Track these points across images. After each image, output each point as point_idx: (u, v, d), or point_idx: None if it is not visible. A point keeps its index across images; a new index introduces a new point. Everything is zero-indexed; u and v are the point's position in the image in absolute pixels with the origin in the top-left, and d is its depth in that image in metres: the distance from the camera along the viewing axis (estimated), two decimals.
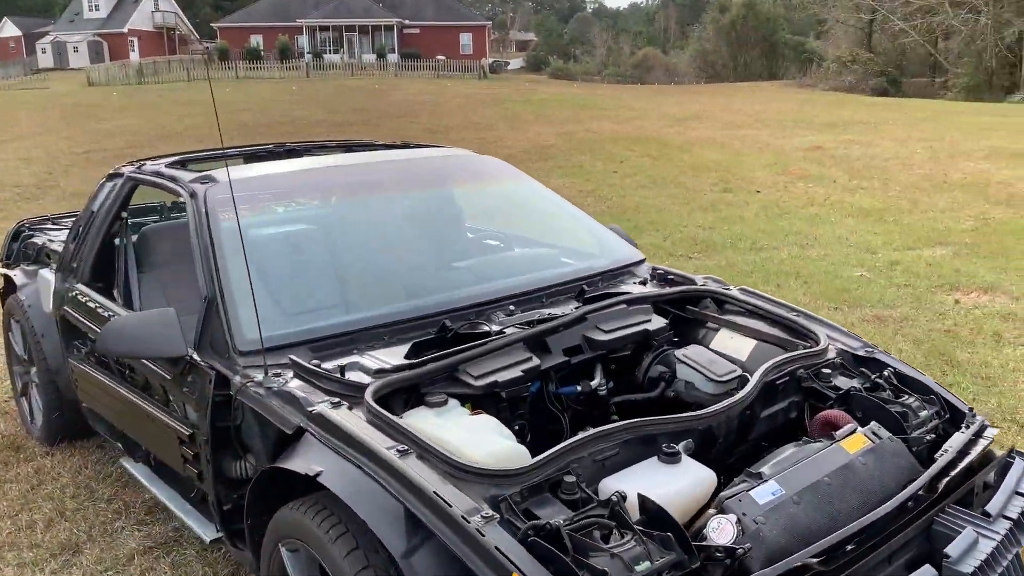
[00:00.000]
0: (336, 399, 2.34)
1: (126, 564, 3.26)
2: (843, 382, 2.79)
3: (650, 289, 3.30)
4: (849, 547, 2.06)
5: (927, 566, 2.07)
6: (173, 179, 3.34)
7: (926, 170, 11.69)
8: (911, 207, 9.49)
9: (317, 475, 2.14)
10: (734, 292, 3.31)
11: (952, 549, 2.11)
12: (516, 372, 2.59)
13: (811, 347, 2.90)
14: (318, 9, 53.91)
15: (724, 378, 2.73)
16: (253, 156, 4.03)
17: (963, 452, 2.48)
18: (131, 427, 3.23)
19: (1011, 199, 9.69)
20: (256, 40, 51.92)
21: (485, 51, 55.52)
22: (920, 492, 2.26)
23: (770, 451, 2.47)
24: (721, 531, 2.04)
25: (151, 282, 3.76)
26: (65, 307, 3.57)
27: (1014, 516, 2.31)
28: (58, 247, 4.05)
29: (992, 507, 2.31)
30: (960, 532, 2.19)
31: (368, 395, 2.32)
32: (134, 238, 3.78)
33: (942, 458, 2.41)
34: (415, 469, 2.05)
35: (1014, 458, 2.58)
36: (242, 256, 2.97)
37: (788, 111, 21.04)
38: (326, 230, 3.29)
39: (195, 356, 2.72)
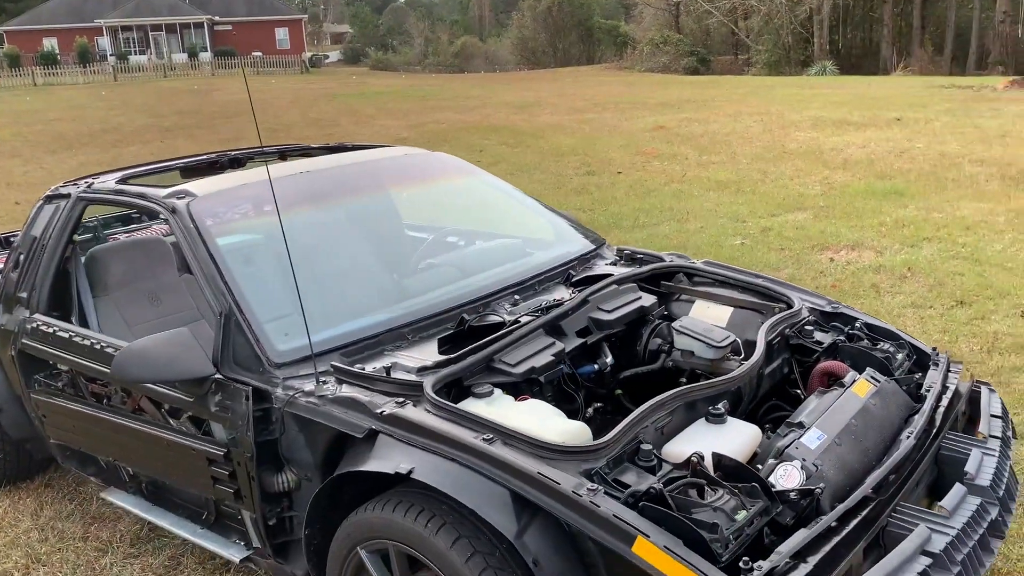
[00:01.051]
0: (400, 399, 2.39)
1: None
2: (823, 337, 3.10)
3: (629, 268, 3.49)
4: (892, 477, 2.34)
5: (958, 485, 2.37)
6: (142, 196, 3.21)
7: (764, 142, 12.59)
8: (762, 177, 10.22)
9: (410, 472, 2.19)
10: (700, 265, 3.56)
11: (970, 467, 2.44)
12: (548, 357, 2.72)
13: (785, 309, 3.19)
14: (117, 8, 50.73)
15: (722, 344, 2.95)
16: (197, 168, 3.91)
17: (944, 386, 2.83)
18: (130, 456, 3.10)
19: (846, 164, 10.63)
20: (50, 43, 48.26)
21: (303, 45, 54.17)
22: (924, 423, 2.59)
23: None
24: (788, 477, 2.27)
25: (106, 305, 3.60)
26: (24, 340, 3.35)
27: (999, 435, 2.69)
28: None
29: (983, 429, 2.67)
30: (968, 453, 2.52)
31: (429, 391, 2.38)
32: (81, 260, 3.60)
33: (931, 393, 2.75)
34: (510, 454, 2.15)
35: (979, 387, 2.97)
36: (249, 268, 2.94)
37: (619, 94, 21.93)
38: (323, 237, 3.27)
39: (223, 374, 2.67)
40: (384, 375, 2.51)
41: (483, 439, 2.20)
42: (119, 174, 3.71)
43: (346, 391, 2.47)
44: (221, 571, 3.25)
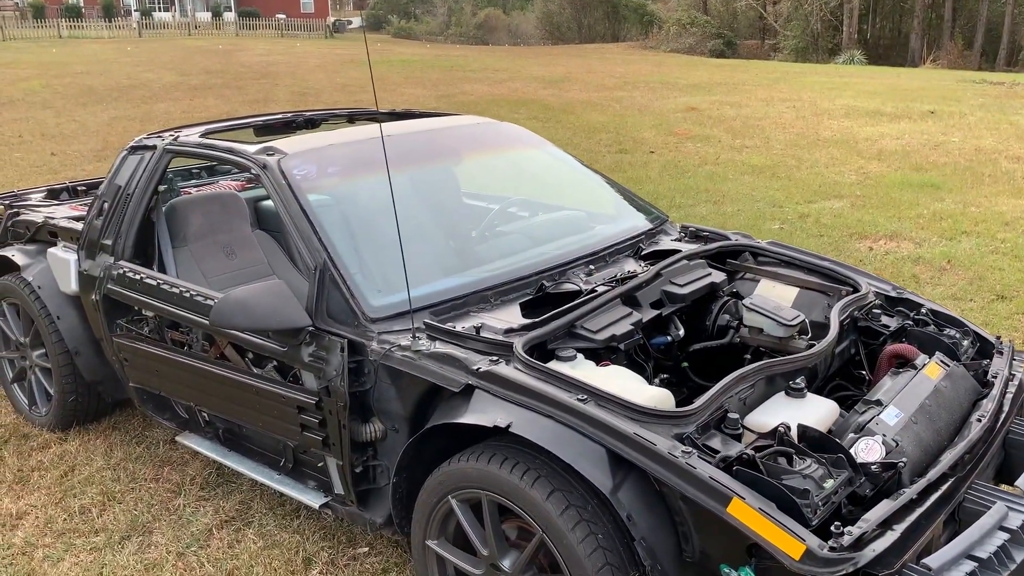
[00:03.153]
0: (493, 357, 2.48)
1: (207, 539, 3.26)
2: (889, 321, 3.18)
3: (696, 245, 3.57)
4: (966, 456, 2.43)
5: None
6: (232, 151, 3.30)
7: (798, 128, 12.58)
8: (797, 163, 10.25)
9: (508, 426, 2.29)
10: (765, 245, 3.64)
11: None
12: (627, 326, 2.81)
13: (851, 292, 3.26)
14: None
15: (792, 322, 3.03)
16: (275, 127, 4.00)
17: (1011, 373, 2.92)
18: (212, 402, 3.21)
19: (881, 154, 10.64)
20: None
21: (327, 9, 53.99)
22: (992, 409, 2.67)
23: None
24: (870, 450, 2.36)
25: (184, 256, 3.70)
26: (109, 286, 3.46)
27: None
28: (67, 224, 3.88)
29: None
30: None
31: (520, 351, 2.48)
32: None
33: (999, 379, 2.84)
34: (607, 415, 2.24)
35: None
36: (341, 225, 3.03)
37: (648, 73, 21.87)
38: (407, 199, 3.36)
39: (317, 326, 2.77)
40: (475, 334, 2.61)
41: (577, 399, 2.30)
42: (200, 128, 3.80)
43: (440, 347, 2.57)
44: (291, 516, 3.37)
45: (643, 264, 3.34)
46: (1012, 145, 10.90)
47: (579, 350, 2.67)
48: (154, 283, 3.29)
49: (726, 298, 3.24)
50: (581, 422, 2.24)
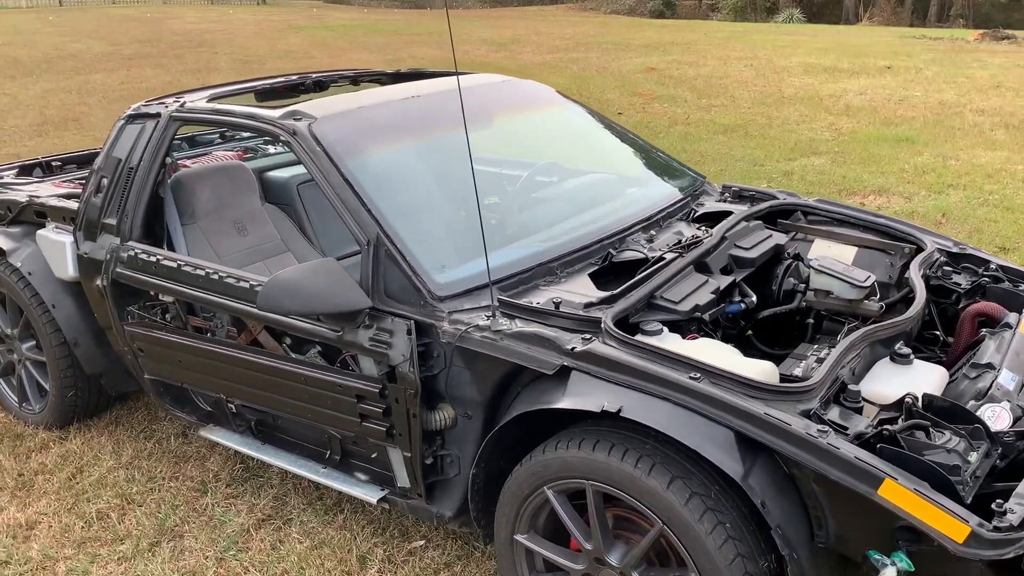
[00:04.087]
0: (586, 335, 2.28)
1: (245, 541, 3.00)
2: (960, 278, 3.05)
3: (745, 206, 3.39)
4: None
5: None
6: (253, 116, 3.00)
7: (760, 87, 12.50)
8: (767, 121, 10.16)
9: (619, 411, 2.09)
10: (814, 202, 3.48)
11: None
12: (708, 295, 2.63)
13: (914, 249, 3.13)
14: None
15: (865, 283, 2.88)
16: (281, 90, 3.68)
17: None
18: (245, 392, 2.93)
19: (848, 110, 10.62)
20: None
21: None
22: None
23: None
24: (998, 418, 2.22)
25: (194, 233, 3.39)
26: (119, 270, 3.14)
27: None
28: (57, 203, 3.52)
29: None
30: None
31: (611, 327, 2.27)
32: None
33: None
34: (729, 394, 2.06)
35: None
36: (391, 194, 2.78)
37: (596, 34, 21.54)
38: (451, 166, 3.10)
39: (377, 307, 2.52)
40: (556, 310, 2.39)
41: (690, 377, 2.11)
42: (203, 93, 3.47)
43: (522, 327, 2.35)
44: (332, 511, 3.14)
45: (700, 228, 3.14)
46: (973, 98, 10.98)
47: (662, 323, 2.48)
48: (174, 265, 2.99)
49: (790, 260, 3.07)
50: (702, 403, 2.05)
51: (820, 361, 2.47)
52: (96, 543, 3.01)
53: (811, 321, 2.92)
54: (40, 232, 3.50)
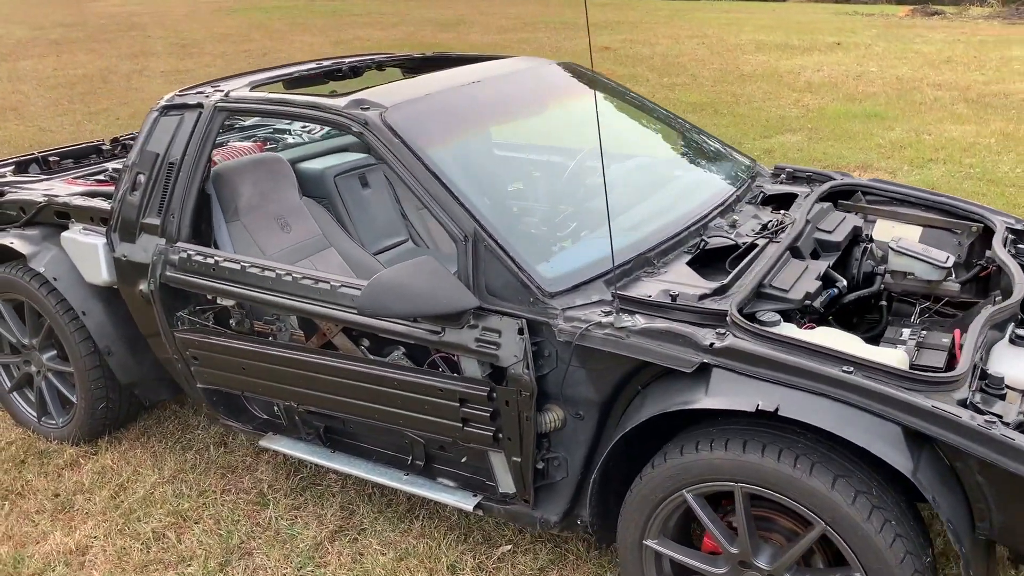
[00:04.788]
0: (720, 330, 2.19)
1: (322, 555, 2.85)
2: None
3: (806, 187, 3.33)
4: None
5: None
6: (316, 106, 2.81)
7: (718, 64, 12.56)
8: (734, 99, 10.20)
9: (776, 410, 2.01)
10: (870, 182, 3.45)
11: None
12: (813, 281, 2.56)
13: (981, 228, 3.12)
14: None
15: (946, 264, 2.85)
16: (314, 77, 3.49)
17: None
18: (328, 400, 2.75)
19: (810, 87, 10.73)
20: None
21: None
22: None
23: None
24: None
25: (238, 231, 3.20)
26: (169, 273, 2.92)
27: None
28: (82, 203, 3.27)
29: None
30: None
31: (739, 319, 2.19)
32: None
33: None
34: (891, 387, 1.99)
35: None
36: (480, 185, 2.64)
37: (538, 13, 21.36)
38: (535, 153, 2.97)
39: (483, 305, 2.39)
40: (674, 303, 2.30)
41: (843, 371, 2.04)
42: (240, 81, 3.26)
43: (646, 322, 2.25)
44: (406, 519, 3.00)
45: (775, 211, 3.07)
46: (928, 73, 11.21)
47: (775, 312, 2.40)
48: (237, 267, 2.79)
49: (868, 242, 3.03)
50: (864, 399, 1.98)
51: (922, 346, 2.44)
52: (160, 566, 2.82)
53: (884, 303, 2.88)
54: (65, 234, 3.24)
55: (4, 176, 3.82)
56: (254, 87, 3.13)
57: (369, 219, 3.69)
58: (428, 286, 2.33)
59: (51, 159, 4.14)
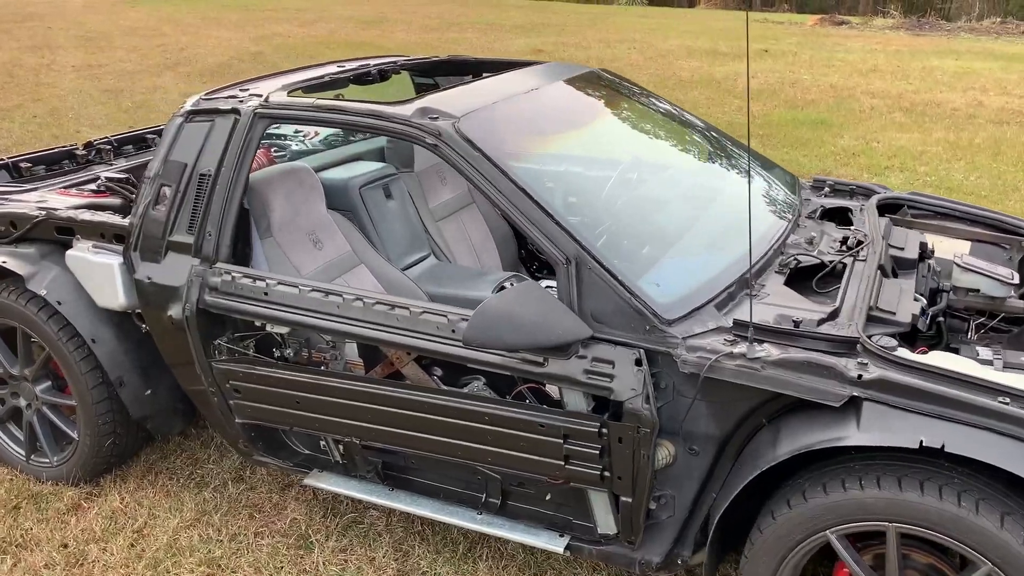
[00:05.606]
0: (862, 360, 2.07)
1: None
2: None
3: (857, 201, 3.27)
4: None
5: None
6: (378, 115, 2.56)
7: (654, 70, 12.64)
8: (679, 104, 10.22)
9: (942, 447, 1.90)
10: (911, 195, 3.41)
11: None
12: (913, 302, 2.48)
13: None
14: None
15: (1012, 280, 2.83)
16: (355, 79, 3.23)
17: None
18: (399, 436, 2.51)
19: (754, 94, 10.88)
20: None
21: None
22: None
23: None
24: None
25: (273, 248, 2.93)
26: (209, 298, 2.62)
27: None
28: (90, 217, 2.93)
29: None
30: None
31: (875, 348, 2.08)
32: None
33: None
34: None
35: None
36: (579, 200, 2.46)
37: (460, 13, 21.16)
38: (609, 165, 2.79)
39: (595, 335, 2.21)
40: (798, 329, 2.17)
41: (1000, 401, 1.95)
42: (272, 84, 2.98)
43: (780, 352, 2.11)
44: (466, 558, 2.79)
45: (840, 226, 2.99)
46: (859, 82, 11.54)
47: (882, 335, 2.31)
48: (294, 291, 2.52)
49: (931, 259, 2.98)
50: None
51: (1007, 366, 2.39)
52: None
53: (940, 320, 2.84)
54: (72, 252, 2.89)
55: None
56: (291, 91, 2.86)
57: (394, 232, 3.45)
58: (539, 315, 2.14)
59: (22, 165, 3.73)
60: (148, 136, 4.25)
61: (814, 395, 2.03)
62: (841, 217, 3.14)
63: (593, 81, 3.32)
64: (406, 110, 2.55)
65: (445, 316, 2.35)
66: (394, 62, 3.50)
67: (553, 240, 2.28)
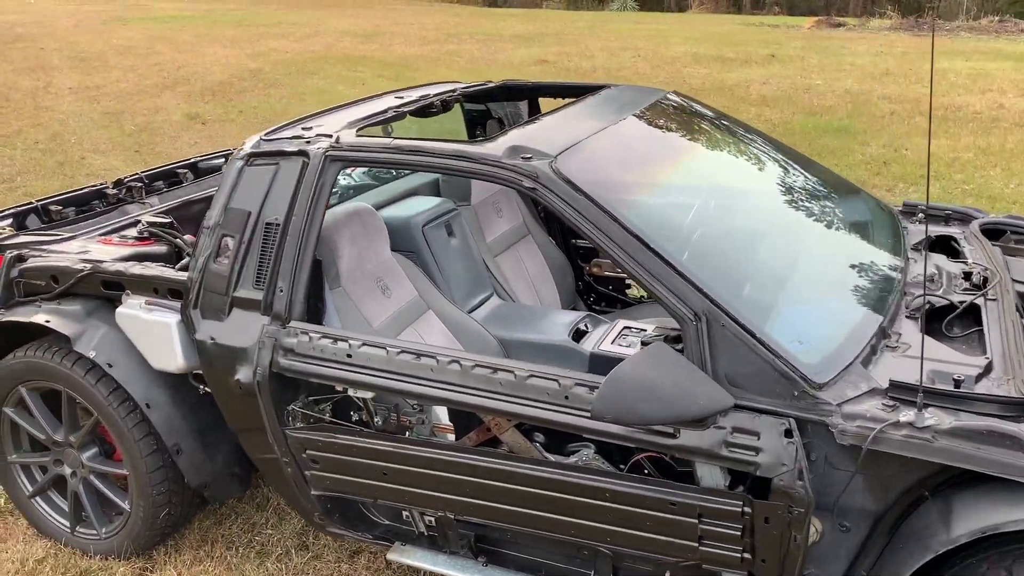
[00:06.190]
0: None
1: None
2: None
3: (956, 228, 3.06)
4: None
5: None
6: (463, 156, 2.33)
7: (663, 77, 12.43)
8: None
9: None
10: (1009, 219, 3.20)
11: None
12: None
13: None
14: None
15: None
16: (420, 111, 2.99)
17: None
18: (509, 511, 2.27)
19: (765, 100, 10.68)
20: None
21: None
22: None
23: None
24: None
25: (342, 300, 2.69)
26: (285, 361, 2.38)
27: None
28: (142, 271, 2.68)
29: None
30: None
31: None
32: None
33: None
34: None
35: None
36: (699, 247, 2.24)
37: (455, 24, 20.93)
38: (719, 205, 2.56)
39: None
40: (960, 390, 1.94)
41: None
42: (338, 118, 2.74)
43: (952, 419, 1.88)
44: None
45: (952, 259, 2.77)
46: (873, 86, 11.36)
47: None
48: (382, 352, 2.28)
49: None
50: None
51: None
52: None
53: None
54: (122, 310, 2.64)
55: (3, 232, 3.16)
56: (359, 129, 2.61)
57: (457, 273, 3.21)
58: (678, 383, 1.90)
59: (51, 208, 3.48)
60: (179, 171, 4.00)
61: (1002, 470, 1.80)
62: (943, 246, 2.93)
63: (672, 107, 3.10)
64: (495, 150, 2.31)
65: (556, 380, 2.11)
66: (452, 90, 3.26)
67: (677, 294, 2.05)
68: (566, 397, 2.09)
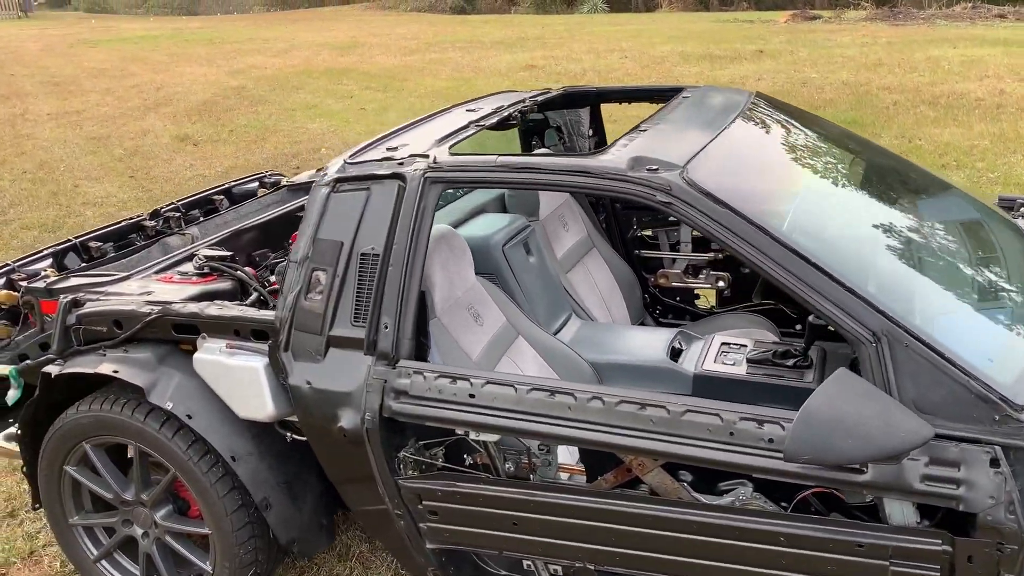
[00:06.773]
0: None
1: None
2: None
3: None
4: None
5: None
6: (583, 171, 2.13)
7: (655, 77, 12.30)
8: None
9: None
10: None
11: None
12: None
13: None
14: None
15: None
16: (499, 124, 2.78)
17: None
18: (657, 560, 2.06)
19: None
20: None
21: None
22: None
23: None
24: None
25: (439, 331, 2.48)
26: (397, 405, 2.15)
27: None
28: (218, 312, 2.45)
29: None
30: None
31: None
32: None
33: None
34: None
35: None
36: (858, 260, 2.05)
37: (433, 33, 20.69)
38: (861, 211, 2.38)
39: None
40: None
41: None
42: (420, 135, 2.53)
43: None
44: None
45: None
46: (870, 77, 11.29)
47: None
48: (510, 391, 2.06)
49: None
50: None
51: None
52: None
53: None
54: (200, 356, 2.41)
55: (48, 275, 2.92)
56: (452, 147, 2.40)
57: (539, 294, 3.01)
58: (875, 416, 1.71)
59: (91, 244, 3.24)
60: (214, 197, 3.78)
61: None
62: None
63: (767, 107, 2.92)
64: (617, 163, 2.12)
65: (717, 415, 1.91)
66: (521, 100, 3.05)
67: (850, 313, 1.86)
68: (731, 433, 1.90)
